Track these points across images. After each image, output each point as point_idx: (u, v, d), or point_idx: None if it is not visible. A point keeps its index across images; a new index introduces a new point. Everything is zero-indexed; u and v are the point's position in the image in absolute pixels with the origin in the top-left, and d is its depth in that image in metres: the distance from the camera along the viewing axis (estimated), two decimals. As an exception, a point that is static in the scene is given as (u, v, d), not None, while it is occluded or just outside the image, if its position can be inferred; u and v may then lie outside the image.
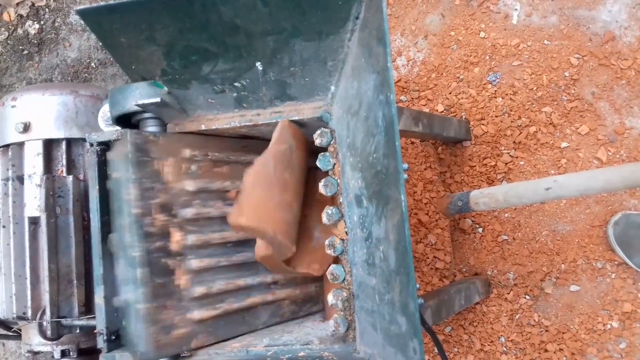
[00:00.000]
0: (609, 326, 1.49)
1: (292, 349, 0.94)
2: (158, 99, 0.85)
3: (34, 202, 1.11)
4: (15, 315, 1.10)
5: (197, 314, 0.96)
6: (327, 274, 0.95)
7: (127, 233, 0.89)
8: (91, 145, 0.99)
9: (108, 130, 1.00)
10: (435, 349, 1.51)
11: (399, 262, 0.70)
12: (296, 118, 0.93)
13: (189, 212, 0.97)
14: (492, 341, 1.59)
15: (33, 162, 1.13)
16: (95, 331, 0.97)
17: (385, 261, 0.74)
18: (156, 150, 0.93)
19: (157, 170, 0.92)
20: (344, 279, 0.94)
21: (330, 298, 0.93)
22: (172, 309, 0.92)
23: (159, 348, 0.89)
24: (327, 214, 0.94)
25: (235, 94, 0.90)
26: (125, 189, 0.89)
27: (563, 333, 1.52)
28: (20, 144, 1.14)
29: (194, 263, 0.97)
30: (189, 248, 0.97)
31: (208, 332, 0.97)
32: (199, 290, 0.97)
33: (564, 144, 1.56)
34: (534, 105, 1.59)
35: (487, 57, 1.66)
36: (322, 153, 0.96)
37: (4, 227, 1.12)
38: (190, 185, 0.97)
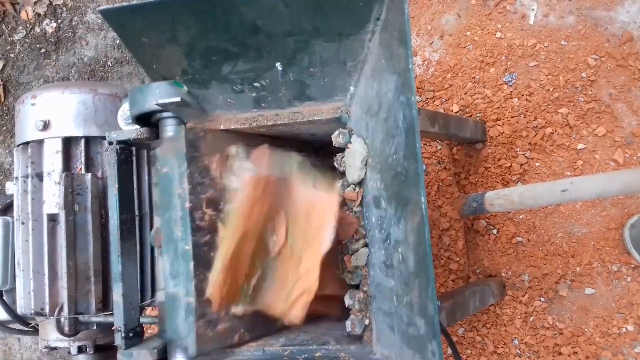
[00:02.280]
0: (624, 330, 1.48)
1: (309, 349, 0.94)
2: (178, 99, 0.85)
3: (52, 199, 1.12)
4: (33, 311, 1.11)
5: (236, 309, 0.96)
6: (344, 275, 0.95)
7: (178, 227, 0.90)
8: (110, 143, 1.00)
9: (127, 129, 1.01)
10: (449, 350, 1.50)
11: (418, 264, 0.70)
12: (315, 118, 0.93)
13: (232, 208, 0.98)
14: (505, 343, 1.58)
15: (52, 160, 1.14)
16: (112, 328, 0.98)
17: (404, 263, 0.74)
18: (205, 147, 0.94)
19: (207, 165, 0.94)
20: (361, 280, 0.94)
21: (347, 299, 0.93)
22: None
23: (205, 342, 0.90)
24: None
25: (254, 94, 0.90)
26: (177, 184, 0.90)
27: (577, 336, 1.51)
28: (40, 142, 1.15)
29: None
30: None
31: (245, 328, 0.98)
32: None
33: (580, 146, 1.55)
34: (550, 107, 1.58)
35: (503, 58, 1.65)
36: (339, 153, 0.96)
37: (22, 223, 1.14)
38: (234, 181, 0.97)
